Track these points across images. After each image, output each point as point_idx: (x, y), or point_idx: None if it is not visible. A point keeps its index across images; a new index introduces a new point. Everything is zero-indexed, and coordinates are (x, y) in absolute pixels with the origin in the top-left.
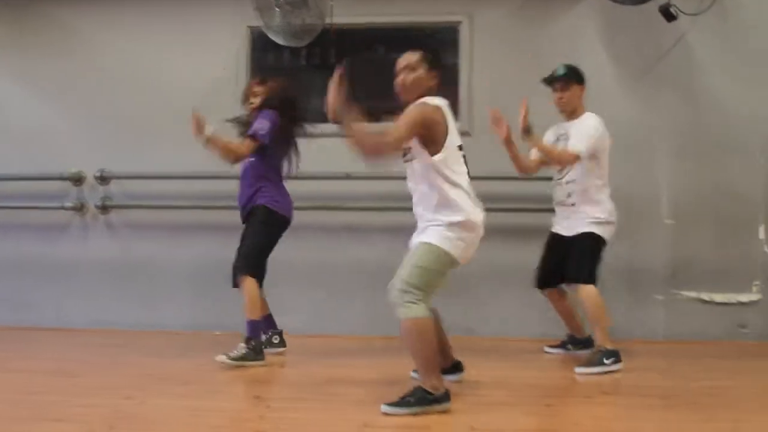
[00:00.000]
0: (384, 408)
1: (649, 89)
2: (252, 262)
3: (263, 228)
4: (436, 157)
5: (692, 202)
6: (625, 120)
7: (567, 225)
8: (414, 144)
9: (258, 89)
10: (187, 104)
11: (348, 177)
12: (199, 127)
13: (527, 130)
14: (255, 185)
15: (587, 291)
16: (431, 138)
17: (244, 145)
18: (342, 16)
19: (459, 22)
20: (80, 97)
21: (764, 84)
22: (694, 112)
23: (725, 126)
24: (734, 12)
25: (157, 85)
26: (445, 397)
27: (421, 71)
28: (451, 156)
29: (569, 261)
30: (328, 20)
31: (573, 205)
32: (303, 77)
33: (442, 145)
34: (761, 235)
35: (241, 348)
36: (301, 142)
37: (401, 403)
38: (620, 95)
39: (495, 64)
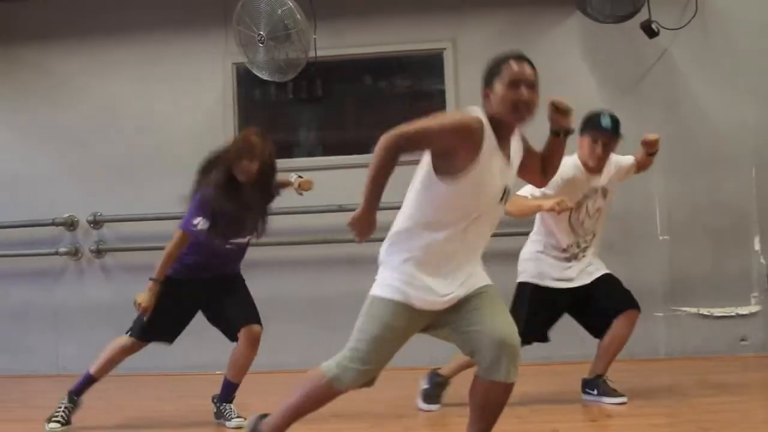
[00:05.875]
0: None
1: (636, 105)
2: None
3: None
4: None
5: (686, 217)
6: None
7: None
8: None
9: (257, 152)
10: (176, 143)
11: (341, 209)
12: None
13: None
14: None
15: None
16: None
17: None
18: (326, 49)
19: (443, 49)
20: (68, 142)
21: (748, 94)
22: (681, 126)
23: (713, 138)
24: (714, 25)
25: (145, 126)
26: None
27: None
28: None
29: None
30: (312, 54)
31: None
32: (290, 111)
33: None
34: (756, 246)
35: (234, 408)
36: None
37: None
38: None
39: (480, 88)
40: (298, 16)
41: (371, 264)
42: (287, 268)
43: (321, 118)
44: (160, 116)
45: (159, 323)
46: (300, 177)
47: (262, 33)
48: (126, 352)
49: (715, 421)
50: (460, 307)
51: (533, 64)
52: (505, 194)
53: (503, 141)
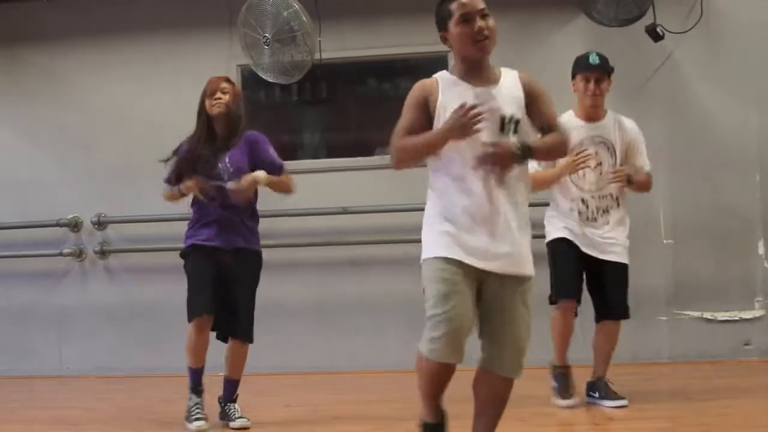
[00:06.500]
0: None
1: (640, 109)
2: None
3: (258, 280)
4: None
5: (690, 221)
6: None
7: (600, 247)
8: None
9: (227, 86)
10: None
11: (345, 211)
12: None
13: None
14: (251, 226)
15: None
16: None
17: (292, 180)
18: (331, 51)
19: (447, 52)
20: (72, 143)
21: (753, 98)
22: (686, 130)
23: (718, 143)
24: (719, 29)
25: (149, 127)
26: None
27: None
28: None
29: (615, 296)
30: (316, 56)
31: (608, 224)
32: (294, 113)
33: None
34: (761, 250)
35: (238, 408)
36: (295, 178)
37: None
38: None
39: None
40: (304, 18)
41: (374, 266)
42: (291, 270)
43: (325, 120)
44: (164, 118)
45: (195, 289)
46: (237, 184)
47: (267, 35)
48: (196, 334)
49: (718, 425)
50: (496, 286)
51: None
52: (508, 122)
53: (479, 76)
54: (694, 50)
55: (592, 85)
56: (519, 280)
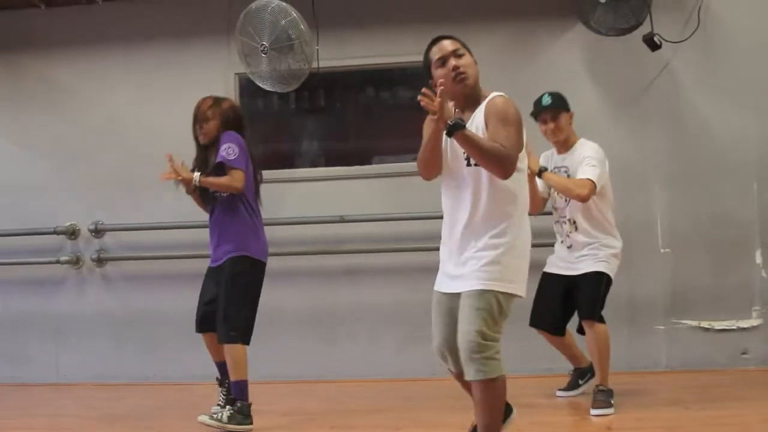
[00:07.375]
0: None
1: (637, 118)
2: (247, 326)
3: (252, 282)
4: (521, 155)
5: (687, 230)
6: (614, 150)
7: (572, 266)
8: None
9: (209, 113)
10: (178, 153)
11: (342, 220)
12: (180, 173)
13: (539, 172)
14: (231, 229)
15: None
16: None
17: (235, 177)
18: (329, 60)
19: None
20: (70, 151)
21: (750, 108)
22: (683, 139)
23: (715, 152)
24: (716, 38)
25: (147, 135)
26: None
27: (470, 57)
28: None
29: (580, 299)
30: (314, 64)
31: (570, 247)
32: (292, 122)
33: (523, 144)
34: (758, 259)
35: (227, 410)
36: (293, 187)
37: None
38: (608, 126)
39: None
40: (302, 26)
41: (371, 274)
42: (288, 278)
43: (323, 128)
44: (162, 126)
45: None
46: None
47: (265, 43)
48: (208, 348)
49: None
50: (460, 302)
51: (452, 36)
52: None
53: (464, 110)
54: (692, 59)
55: (551, 126)
56: (467, 292)
